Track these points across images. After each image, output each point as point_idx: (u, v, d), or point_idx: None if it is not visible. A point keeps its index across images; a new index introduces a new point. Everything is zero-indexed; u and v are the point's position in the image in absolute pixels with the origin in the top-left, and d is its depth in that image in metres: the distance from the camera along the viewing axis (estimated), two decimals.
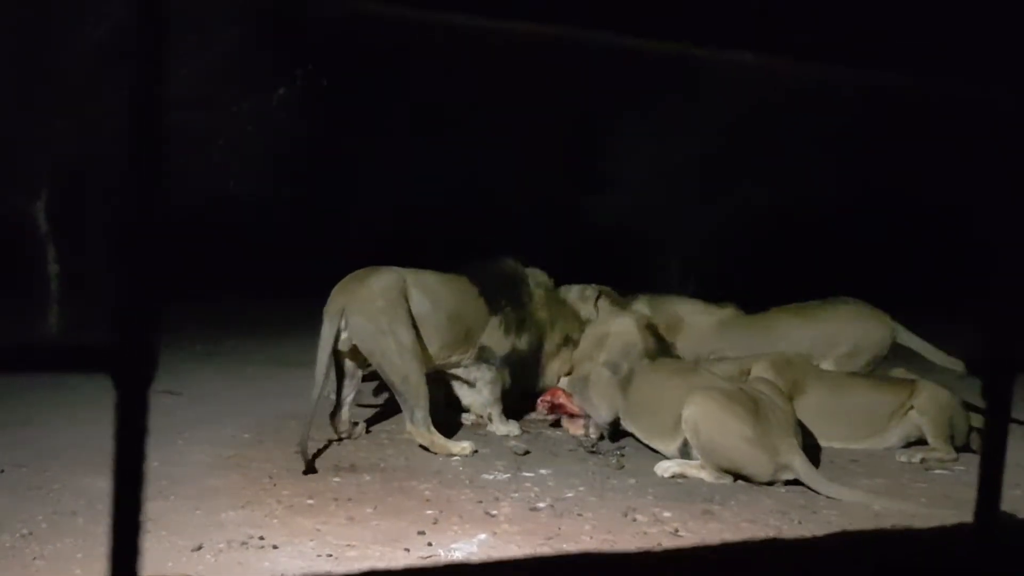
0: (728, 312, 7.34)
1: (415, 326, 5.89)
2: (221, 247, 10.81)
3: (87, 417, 5.81)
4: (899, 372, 6.71)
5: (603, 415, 6.05)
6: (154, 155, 0.75)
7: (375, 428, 6.12)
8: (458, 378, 6.43)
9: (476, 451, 5.61)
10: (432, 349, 6.06)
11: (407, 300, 5.91)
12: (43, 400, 6.09)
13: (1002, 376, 1.10)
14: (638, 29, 1.01)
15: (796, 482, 5.20)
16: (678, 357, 6.36)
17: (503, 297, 6.46)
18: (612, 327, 6.32)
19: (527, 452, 5.70)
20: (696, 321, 7.25)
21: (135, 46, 0.75)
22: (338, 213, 12.47)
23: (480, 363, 6.32)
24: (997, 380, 1.09)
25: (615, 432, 6.06)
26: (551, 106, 11.68)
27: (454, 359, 6.26)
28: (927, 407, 6.10)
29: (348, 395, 6.02)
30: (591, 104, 11.63)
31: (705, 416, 5.31)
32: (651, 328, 6.35)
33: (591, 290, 7.10)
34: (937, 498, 5.10)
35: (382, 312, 5.79)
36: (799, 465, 5.19)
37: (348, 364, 6.02)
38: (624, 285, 7.54)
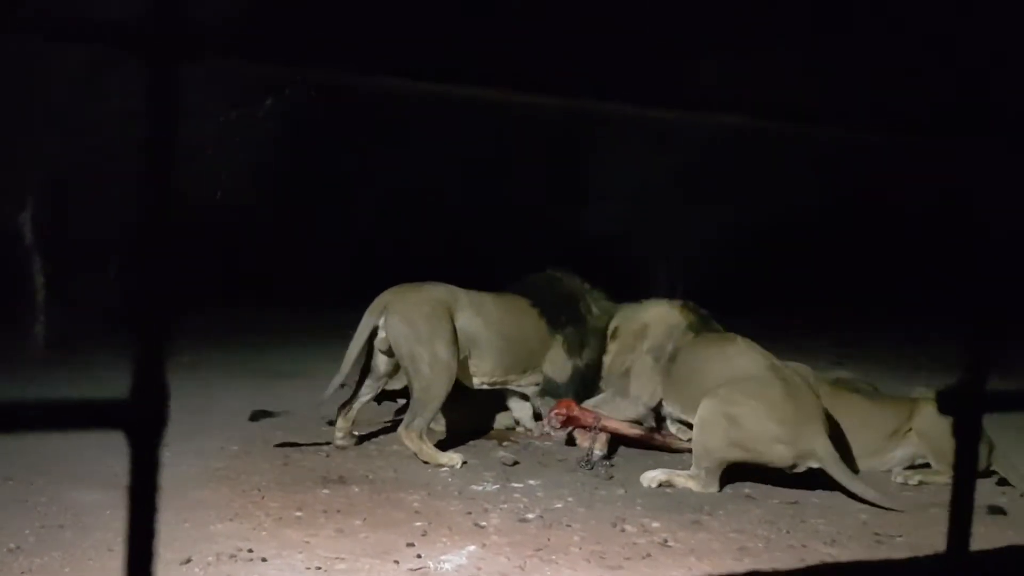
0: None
1: (458, 344, 5.95)
2: (207, 257, 10.76)
3: None
4: (920, 392, 6.29)
5: (643, 402, 6.01)
6: (164, 171, 0.77)
7: (363, 440, 6.10)
8: (515, 393, 6.50)
9: (465, 462, 5.60)
10: (485, 368, 6.16)
11: (453, 318, 5.97)
12: None
13: (971, 415, 1.10)
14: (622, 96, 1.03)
15: (786, 493, 5.23)
16: (722, 329, 6.22)
17: (564, 316, 6.48)
18: (651, 315, 6.26)
19: (516, 463, 5.70)
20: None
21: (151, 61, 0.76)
22: (326, 224, 12.44)
23: (544, 396, 6.39)
24: (967, 411, 1.10)
25: (659, 417, 6.04)
26: (541, 115, 11.70)
27: (511, 378, 6.34)
28: (927, 429, 5.76)
29: (365, 395, 6.03)
30: (579, 115, 11.66)
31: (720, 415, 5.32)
32: (690, 306, 6.28)
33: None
34: (924, 506, 5.16)
35: (424, 319, 5.85)
36: (822, 451, 5.15)
37: (379, 365, 6.07)
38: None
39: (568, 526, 4.57)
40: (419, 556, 4.06)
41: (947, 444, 5.34)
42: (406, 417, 5.82)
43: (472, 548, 4.20)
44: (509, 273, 6.87)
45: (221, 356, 8.91)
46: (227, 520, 4.39)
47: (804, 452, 5.17)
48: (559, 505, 4.92)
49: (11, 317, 8.66)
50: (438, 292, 6.06)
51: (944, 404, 1.04)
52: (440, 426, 6.21)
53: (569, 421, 6.08)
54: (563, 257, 7.19)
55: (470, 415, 6.39)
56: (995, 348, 1.07)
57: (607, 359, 6.42)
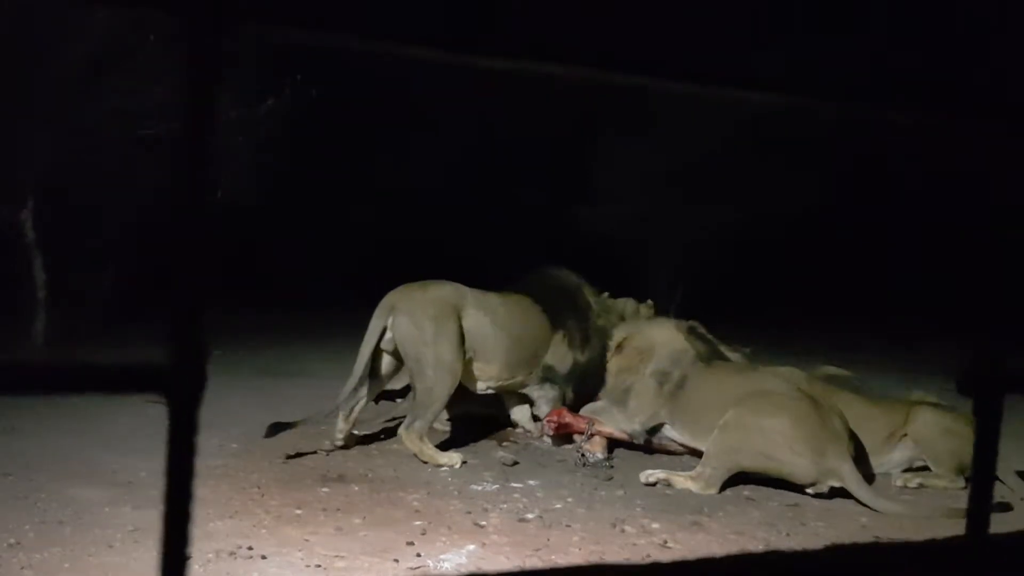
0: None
1: (464, 344, 5.91)
2: (206, 256, 10.77)
3: (73, 427, 5.78)
4: (918, 395, 6.21)
5: (638, 422, 5.97)
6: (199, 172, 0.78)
7: (364, 439, 6.09)
8: (513, 393, 6.47)
9: (465, 462, 5.60)
10: (493, 370, 6.12)
11: (460, 317, 5.93)
12: (29, 409, 6.04)
13: (992, 394, 1.11)
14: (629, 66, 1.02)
15: (785, 495, 5.23)
16: (730, 359, 6.20)
17: (565, 312, 6.49)
18: (656, 336, 6.21)
19: (515, 463, 5.70)
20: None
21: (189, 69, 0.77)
22: (326, 223, 12.44)
23: (543, 383, 6.39)
24: (986, 398, 1.10)
25: (651, 433, 5.99)
26: (541, 116, 11.73)
27: (519, 379, 6.32)
28: (922, 433, 5.76)
29: (366, 396, 6.01)
30: (580, 117, 11.69)
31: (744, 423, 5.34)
32: (696, 332, 6.23)
33: (646, 308, 6.91)
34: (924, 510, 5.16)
35: (431, 320, 5.82)
36: (846, 472, 5.16)
37: (383, 366, 6.04)
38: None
39: (568, 526, 4.57)
40: (419, 555, 4.06)
41: (944, 448, 5.27)
42: (407, 418, 5.80)
43: (472, 547, 4.20)
44: (515, 270, 6.85)
45: (220, 354, 8.91)
46: (227, 518, 4.39)
47: (828, 470, 5.18)
48: (559, 505, 4.91)
49: (11, 314, 8.65)
50: (445, 292, 6.01)
51: (964, 385, 1.04)
52: (443, 425, 6.22)
53: (561, 428, 6.09)
54: (564, 254, 7.18)
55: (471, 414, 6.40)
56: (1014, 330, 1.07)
57: (609, 373, 6.38)
